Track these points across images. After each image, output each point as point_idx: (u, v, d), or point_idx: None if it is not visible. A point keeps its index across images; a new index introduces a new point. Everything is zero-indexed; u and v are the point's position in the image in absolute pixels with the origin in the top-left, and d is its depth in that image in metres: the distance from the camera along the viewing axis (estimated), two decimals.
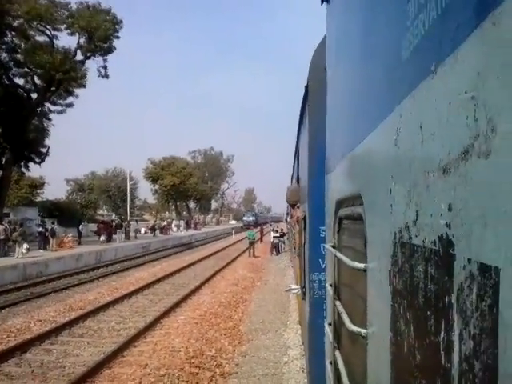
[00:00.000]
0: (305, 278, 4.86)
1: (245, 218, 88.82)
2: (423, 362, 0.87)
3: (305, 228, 4.92)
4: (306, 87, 4.89)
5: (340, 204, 2.14)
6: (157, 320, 11.60)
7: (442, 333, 0.76)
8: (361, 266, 1.51)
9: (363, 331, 1.46)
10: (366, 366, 1.42)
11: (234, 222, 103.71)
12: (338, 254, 2.05)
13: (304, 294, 5.19)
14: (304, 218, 5.14)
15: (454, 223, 0.73)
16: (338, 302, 2.12)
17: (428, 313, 0.84)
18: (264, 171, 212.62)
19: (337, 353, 2.11)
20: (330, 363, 2.30)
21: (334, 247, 2.25)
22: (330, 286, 2.34)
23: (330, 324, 2.35)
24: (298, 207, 7.91)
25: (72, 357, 9.10)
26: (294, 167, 11.82)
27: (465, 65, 0.71)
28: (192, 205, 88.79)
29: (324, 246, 3.01)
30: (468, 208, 0.68)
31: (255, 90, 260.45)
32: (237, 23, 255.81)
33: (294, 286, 7.88)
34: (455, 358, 0.70)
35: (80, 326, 11.35)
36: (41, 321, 11.70)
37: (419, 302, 0.90)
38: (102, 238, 32.30)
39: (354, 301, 1.86)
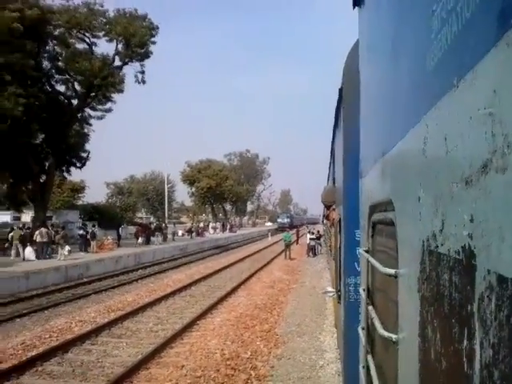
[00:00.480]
0: (340, 281, 4.78)
1: (279, 220, 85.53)
2: (448, 368, 0.89)
3: (340, 231, 4.84)
4: (340, 90, 4.83)
5: (373, 209, 2.11)
6: (193, 321, 11.71)
7: (465, 341, 0.78)
8: (392, 271, 1.50)
9: (394, 337, 1.46)
10: (396, 372, 1.42)
11: (269, 223, 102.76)
12: (371, 260, 2.01)
13: (339, 297, 5.09)
14: (339, 221, 5.05)
15: (476, 234, 0.74)
16: (370, 307, 2.08)
17: (452, 321, 0.86)
18: (300, 173, 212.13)
19: (369, 357, 2.08)
20: (363, 367, 2.26)
21: (367, 252, 2.21)
22: (364, 290, 2.29)
23: (363, 328, 2.31)
24: (334, 209, 7.81)
25: (111, 357, 9.29)
26: (329, 168, 11.70)
27: (483, 81, 0.73)
28: (228, 207, 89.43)
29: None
30: (488, 220, 0.70)
31: (289, 90, 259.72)
32: (269, 23, 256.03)
33: (330, 289, 7.78)
34: (477, 365, 0.72)
35: (119, 326, 11.58)
36: (81, 321, 12.01)
37: (445, 309, 0.92)
38: (140, 240, 32.97)
39: (385, 306, 1.83)
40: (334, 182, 7.89)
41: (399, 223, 1.44)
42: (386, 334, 1.56)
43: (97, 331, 10.86)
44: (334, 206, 7.77)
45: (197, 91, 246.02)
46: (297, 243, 41.30)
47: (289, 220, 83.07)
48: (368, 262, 2.14)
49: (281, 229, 71.53)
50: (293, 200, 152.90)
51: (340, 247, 4.79)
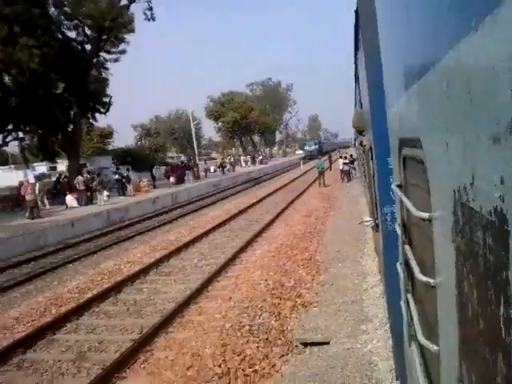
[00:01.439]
0: (376, 210, 4.66)
1: (306, 148, 78.06)
2: (486, 320, 0.86)
3: (372, 158, 4.66)
4: (356, 12, 4.48)
5: (403, 142, 1.95)
6: (235, 255, 12.01)
7: (501, 305, 0.74)
8: (425, 215, 1.39)
9: (432, 281, 1.40)
10: (436, 315, 1.39)
11: (300, 152, 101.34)
12: (404, 199, 1.90)
13: (377, 226, 4.99)
14: (370, 148, 4.85)
15: (508, 199, 0.68)
16: (407, 247, 1.99)
17: (488, 283, 0.81)
18: (327, 96, 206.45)
19: (409, 296, 2.05)
20: (404, 302, 2.22)
21: (400, 186, 2.09)
22: (399, 226, 2.19)
23: (401, 264, 2.23)
24: (364, 135, 7.56)
25: (162, 294, 9.73)
26: (355, 91, 11.28)
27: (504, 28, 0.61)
28: (256, 139, 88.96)
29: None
30: None
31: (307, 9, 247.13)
32: None
33: (366, 218, 7.68)
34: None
35: (165, 265, 12.03)
36: (130, 262, 12.53)
37: (480, 269, 0.86)
38: (172, 179, 33.47)
39: (422, 247, 1.74)
40: (361, 106, 7.59)
41: (430, 165, 1.32)
42: (423, 278, 1.50)
43: (145, 271, 11.32)
44: (364, 133, 7.52)
45: (213, 21, 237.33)
46: (330, 169, 40.97)
47: (317, 146, 77.03)
48: (401, 200, 2.02)
49: (309, 157, 67.78)
50: (322, 125, 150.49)
51: (373, 175, 4.63)
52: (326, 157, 45.55)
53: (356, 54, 7.01)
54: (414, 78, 1.43)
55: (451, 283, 1.11)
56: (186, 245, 14.00)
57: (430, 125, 1.27)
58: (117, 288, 10.07)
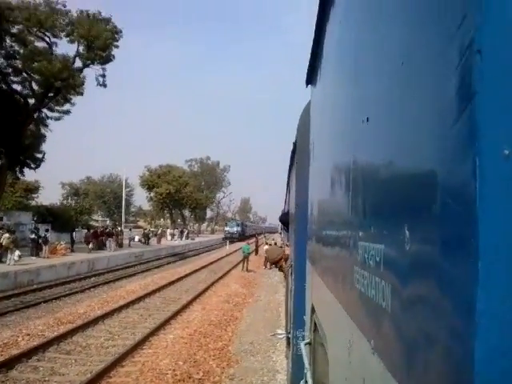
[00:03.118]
0: (290, 326, 4.72)
1: (227, 229, 70.52)
2: None
3: (292, 274, 4.82)
4: (295, 144, 4.93)
5: (314, 309, 2.18)
6: (146, 338, 11.52)
7: None
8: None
9: None
10: None
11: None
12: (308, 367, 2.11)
13: (288, 341, 5.04)
14: (291, 266, 5.04)
15: None
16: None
17: None
18: (260, 181, 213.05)
19: None
20: None
21: (309, 344, 2.30)
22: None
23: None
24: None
25: (58, 375, 9.02)
26: (285, 199, 11.91)
27: None
28: (187, 213, 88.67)
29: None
30: None
31: (252, 97, 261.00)
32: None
33: (279, 331, 7.75)
34: None
35: (68, 341, 11.25)
36: (29, 335, 11.59)
37: None
38: (91, 245, 32.17)
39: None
40: (288, 211, 7.98)
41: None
42: None
43: (44, 346, 10.51)
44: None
45: (159, 94, 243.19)
46: (256, 253, 41.23)
47: (239, 228, 70.10)
48: (310, 355, 2.22)
49: (229, 239, 61.91)
50: (252, 208, 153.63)
51: (290, 293, 4.77)
52: (252, 240, 45.72)
53: (290, 170, 7.38)
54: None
55: None
56: (95, 320, 13.26)
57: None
58: (9, 364, 9.23)
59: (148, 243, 44.02)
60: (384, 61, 0.99)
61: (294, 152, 5.24)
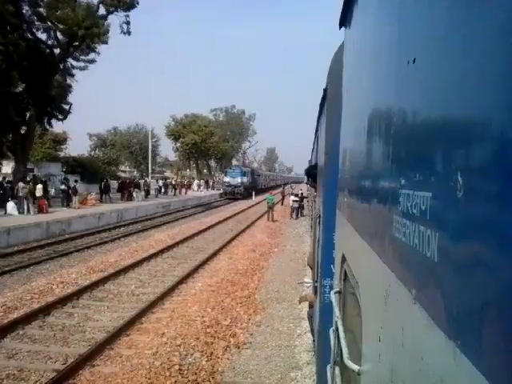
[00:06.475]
0: (317, 275, 4.74)
1: (227, 180, 49.54)
2: None
3: (319, 223, 4.77)
4: (325, 90, 4.71)
5: (344, 258, 2.13)
6: (175, 286, 11.84)
7: None
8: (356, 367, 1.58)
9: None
10: None
11: None
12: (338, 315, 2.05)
13: (315, 290, 5.09)
14: (319, 216, 4.98)
15: None
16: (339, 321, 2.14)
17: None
18: (287, 131, 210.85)
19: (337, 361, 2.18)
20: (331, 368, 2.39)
21: (339, 293, 2.25)
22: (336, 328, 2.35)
23: (334, 331, 2.40)
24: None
25: (92, 321, 9.39)
26: (313, 149, 11.66)
27: None
28: (213, 163, 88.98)
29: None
30: None
31: (279, 45, 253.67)
32: None
33: (307, 280, 7.82)
34: None
35: (100, 289, 11.66)
36: (63, 283, 12.04)
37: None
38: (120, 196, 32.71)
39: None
40: (316, 163, 7.83)
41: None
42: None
43: (78, 293, 10.91)
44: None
45: (183, 43, 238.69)
46: (282, 204, 41.26)
47: (245, 179, 49.15)
48: (340, 304, 2.19)
49: (230, 194, 47.83)
50: (278, 158, 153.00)
51: (318, 242, 4.74)
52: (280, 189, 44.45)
53: (319, 119, 7.22)
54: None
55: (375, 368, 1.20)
56: (126, 269, 13.66)
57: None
58: (46, 310, 9.64)
59: (175, 194, 44.50)
60: None
61: (323, 99, 5.03)
